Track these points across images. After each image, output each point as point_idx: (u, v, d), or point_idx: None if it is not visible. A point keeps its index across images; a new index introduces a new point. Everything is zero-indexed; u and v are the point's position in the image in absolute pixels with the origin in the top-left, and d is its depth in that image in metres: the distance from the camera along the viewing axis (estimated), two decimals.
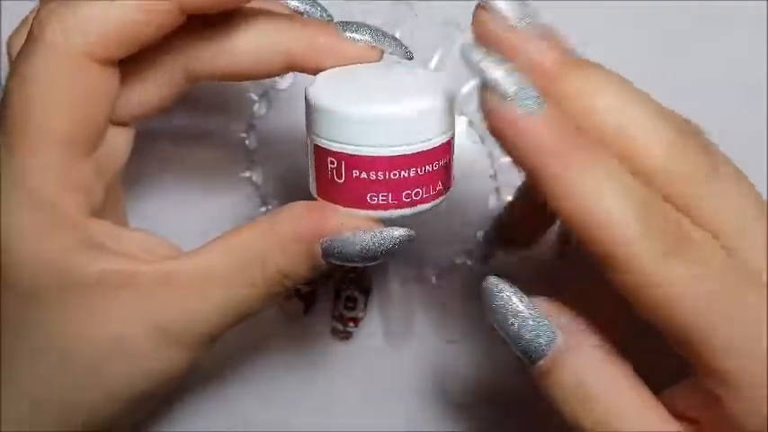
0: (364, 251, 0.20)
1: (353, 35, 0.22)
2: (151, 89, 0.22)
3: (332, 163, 0.20)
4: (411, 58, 0.23)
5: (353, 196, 0.21)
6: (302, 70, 0.22)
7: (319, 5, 0.24)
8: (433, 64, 0.31)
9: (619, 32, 0.31)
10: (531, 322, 0.19)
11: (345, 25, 0.22)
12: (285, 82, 0.31)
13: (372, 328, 0.31)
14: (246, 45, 0.22)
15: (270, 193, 0.31)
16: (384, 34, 0.23)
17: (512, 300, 0.19)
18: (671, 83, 0.31)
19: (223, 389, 0.30)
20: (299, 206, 0.21)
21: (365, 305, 0.30)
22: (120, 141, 0.22)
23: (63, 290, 0.20)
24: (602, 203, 0.17)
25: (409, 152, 0.20)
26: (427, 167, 0.21)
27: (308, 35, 0.22)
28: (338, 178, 0.20)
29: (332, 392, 0.30)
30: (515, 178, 0.31)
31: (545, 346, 0.19)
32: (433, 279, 0.31)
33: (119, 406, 0.21)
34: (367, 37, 0.22)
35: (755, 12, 0.31)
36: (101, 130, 0.21)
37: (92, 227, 0.20)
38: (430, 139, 0.20)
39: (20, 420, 0.21)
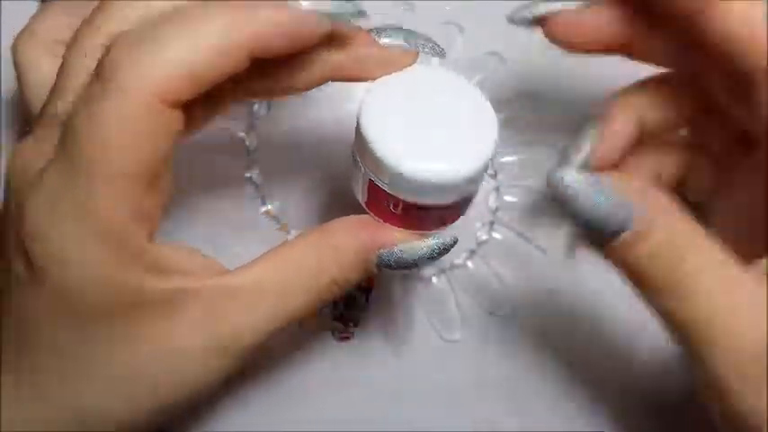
0: (419, 260, 0.23)
1: (388, 40, 0.23)
2: (200, 116, 0.23)
3: (388, 198, 0.22)
4: (444, 56, 0.24)
5: (406, 224, 0.23)
6: (343, 80, 0.23)
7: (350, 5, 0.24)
8: (434, 63, 0.31)
9: None
10: (613, 196, 0.21)
11: (380, 31, 0.23)
12: None
13: (372, 328, 0.31)
14: (300, 71, 0.22)
15: (270, 192, 0.31)
16: (416, 35, 0.23)
17: (591, 181, 0.21)
18: None
19: (223, 389, 0.30)
20: (353, 221, 0.23)
21: (365, 305, 0.30)
22: (171, 168, 0.23)
23: (133, 311, 0.21)
24: None
25: (460, 199, 0.23)
26: (468, 202, 0.24)
27: (348, 47, 0.22)
28: (394, 209, 0.23)
29: (332, 392, 0.30)
30: (515, 178, 0.31)
31: (631, 214, 0.21)
32: (433, 279, 0.31)
33: (162, 416, 0.22)
34: (401, 40, 0.23)
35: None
36: (166, 165, 0.21)
37: (157, 251, 0.21)
38: (477, 187, 0.23)
39: None
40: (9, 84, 0.31)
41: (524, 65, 0.31)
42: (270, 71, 0.22)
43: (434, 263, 0.24)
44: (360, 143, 0.22)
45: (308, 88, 0.23)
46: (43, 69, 0.26)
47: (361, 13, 0.22)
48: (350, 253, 0.22)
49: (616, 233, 0.21)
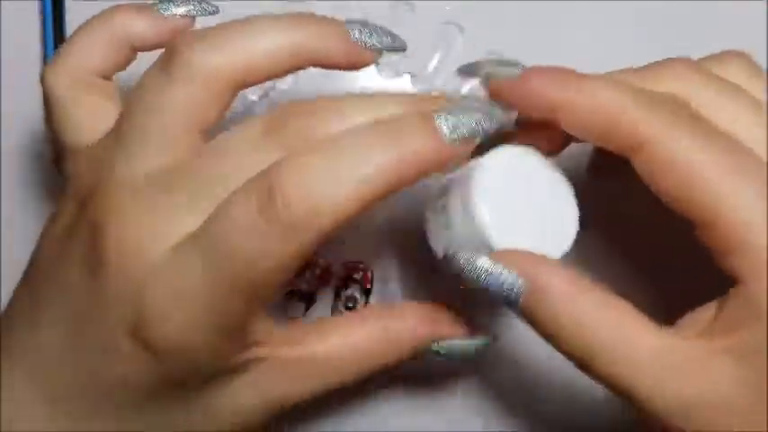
0: (461, 356, 0.25)
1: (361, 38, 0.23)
2: None
3: None
4: (404, 50, 0.24)
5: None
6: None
7: None
8: (432, 64, 0.31)
9: (619, 32, 0.31)
10: (498, 273, 0.21)
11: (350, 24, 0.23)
12: (286, 83, 0.31)
13: None
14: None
15: None
16: (380, 31, 0.24)
17: (476, 261, 0.21)
18: None
19: None
20: (416, 314, 0.24)
21: (365, 305, 0.30)
22: None
23: (213, 377, 0.22)
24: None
25: None
26: None
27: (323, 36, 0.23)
28: None
29: (332, 392, 0.30)
30: None
31: (516, 289, 0.21)
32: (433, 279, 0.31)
33: None
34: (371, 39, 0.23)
35: (755, 12, 0.32)
36: None
37: (256, 328, 0.22)
38: None
39: None
40: (8, 89, 0.31)
41: (525, 64, 0.31)
42: None
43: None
44: (465, 216, 0.22)
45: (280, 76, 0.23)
46: (84, 107, 0.24)
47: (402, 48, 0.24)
48: (405, 344, 0.24)
49: (512, 302, 0.21)
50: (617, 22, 0.32)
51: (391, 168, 0.20)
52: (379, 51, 0.23)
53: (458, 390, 0.30)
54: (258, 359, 0.22)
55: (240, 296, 0.20)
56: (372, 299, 0.31)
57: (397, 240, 0.31)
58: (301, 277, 0.30)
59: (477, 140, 0.21)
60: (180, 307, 0.20)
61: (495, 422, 0.30)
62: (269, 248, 0.19)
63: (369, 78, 0.31)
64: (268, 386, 0.23)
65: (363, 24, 0.23)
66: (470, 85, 0.31)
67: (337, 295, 0.30)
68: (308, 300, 0.30)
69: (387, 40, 0.23)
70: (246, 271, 0.19)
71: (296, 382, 0.23)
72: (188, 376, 0.21)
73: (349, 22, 0.23)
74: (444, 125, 0.21)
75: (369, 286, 0.30)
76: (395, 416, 0.30)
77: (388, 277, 0.31)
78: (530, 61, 0.31)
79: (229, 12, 0.31)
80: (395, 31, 0.31)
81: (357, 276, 0.30)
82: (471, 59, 0.31)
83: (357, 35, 0.23)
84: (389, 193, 0.20)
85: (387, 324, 0.24)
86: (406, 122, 0.20)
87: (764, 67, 0.31)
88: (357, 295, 0.30)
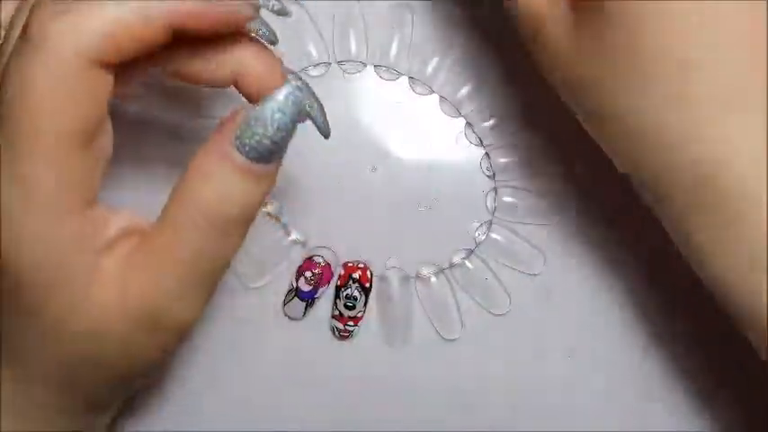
0: (277, 123, 0.22)
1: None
2: (134, 85, 0.23)
3: None
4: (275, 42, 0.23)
5: None
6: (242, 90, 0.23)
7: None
8: (432, 65, 0.31)
9: None
10: None
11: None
12: None
13: (372, 327, 0.31)
14: (213, 61, 0.22)
15: (271, 194, 0.31)
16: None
17: None
18: None
19: (223, 389, 0.31)
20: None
21: (365, 304, 0.30)
22: (107, 135, 0.23)
23: (60, 275, 0.21)
24: None
25: None
26: None
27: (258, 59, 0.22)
28: None
29: (332, 392, 0.31)
30: (514, 178, 0.31)
31: None
32: (433, 279, 0.31)
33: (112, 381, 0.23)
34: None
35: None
36: (99, 128, 0.21)
37: (87, 216, 0.21)
38: None
39: (36, 403, 0.22)
40: None
41: (524, 66, 0.31)
42: (188, 54, 0.22)
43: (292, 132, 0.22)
44: None
45: (217, 83, 0.23)
46: None
47: (282, 11, 0.23)
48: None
49: None
50: None
51: None
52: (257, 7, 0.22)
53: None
54: (109, 255, 0.21)
55: (30, 148, 0.20)
56: (372, 299, 0.31)
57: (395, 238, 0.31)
58: (301, 277, 0.30)
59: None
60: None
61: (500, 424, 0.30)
62: (35, 77, 0.19)
63: (367, 80, 0.31)
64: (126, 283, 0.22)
65: None
66: (470, 86, 0.31)
67: (337, 294, 0.30)
68: (309, 300, 0.30)
69: None
70: (24, 112, 0.20)
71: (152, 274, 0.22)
72: (28, 275, 0.21)
73: None
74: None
75: (368, 285, 0.30)
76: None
77: (387, 278, 0.31)
78: (529, 62, 0.32)
79: None
80: (395, 31, 0.31)
81: (356, 276, 0.30)
82: (470, 60, 0.31)
83: None
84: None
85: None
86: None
87: (764, 67, 0.31)
88: (357, 294, 0.30)
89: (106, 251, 0.21)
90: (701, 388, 0.31)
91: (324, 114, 0.23)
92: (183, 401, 0.30)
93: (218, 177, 0.21)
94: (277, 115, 0.21)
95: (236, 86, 0.23)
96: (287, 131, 0.21)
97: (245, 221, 0.22)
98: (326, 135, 0.24)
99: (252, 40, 0.23)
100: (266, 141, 0.21)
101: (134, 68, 0.22)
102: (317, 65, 0.31)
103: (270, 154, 0.21)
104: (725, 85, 0.21)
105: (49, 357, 0.22)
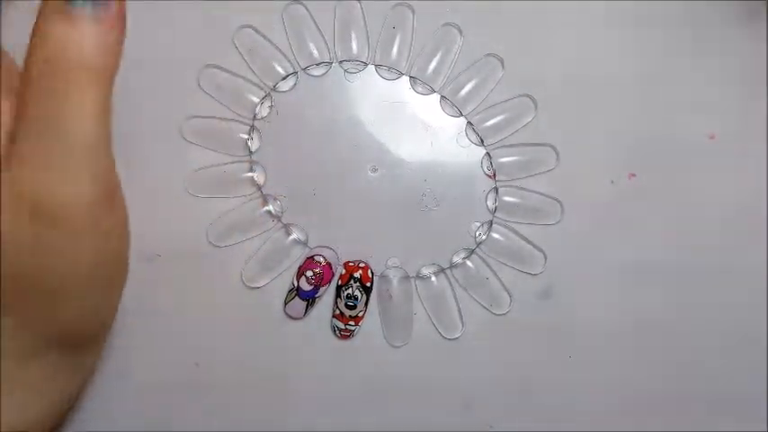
0: None
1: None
2: None
3: None
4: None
5: None
6: None
7: None
8: (432, 64, 0.31)
9: (617, 33, 0.31)
10: None
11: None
12: (287, 84, 0.31)
13: (372, 327, 0.31)
14: None
15: (271, 193, 0.31)
16: None
17: None
18: (671, 82, 0.32)
19: (223, 388, 0.31)
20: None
21: (366, 304, 0.31)
22: None
23: None
24: None
25: None
26: None
27: None
28: None
29: (332, 392, 0.31)
30: (514, 178, 0.31)
31: None
32: (433, 279, 0.31)
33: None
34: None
35: (755, 12, 0.31)
36: None
37: None
38: None
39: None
40: None
41: (524, 66, 0.31)
42: None
43: None
44: None
45: None
46: None
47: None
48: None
49: None
50: (614, 23, 0.32)
51: None
52: None
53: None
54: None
55: None
56: (373, 298, 0.31)
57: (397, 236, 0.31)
58: (302, 276, 0.30)
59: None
60: None
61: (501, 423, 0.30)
62: None
63: (368, 79, 0.31)
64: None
65: None
66: (470, 86, 0.31)
67: (338, 294, 0.31)
68: (309, 299, 0.30)
69: None
70: None
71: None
72: None
73: None
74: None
75: (369, 284, 0.30)
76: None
77: (387, 277, 0.31)
78: (529, 62, 0.32)
79: (232, 14, 0.31)
80: (396, 31, 0.31)
81: (357, 275, 0.30)
82: (471, 60, 0.31)
83: None
84: None
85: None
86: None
87: (765, 72, 0.31)
88: (358, 294, 0.30)
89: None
90: (701, 388, 0.31)
91: None
92: (183, 401, 0.31)
93: (47, 26, 0.20)
94: None
95: None
96: None
97: (91, 70, 0.21)
98: None
99: None
100: None
101: None
102: (319, 64, 0.31)
103: None
104: None
105: None
